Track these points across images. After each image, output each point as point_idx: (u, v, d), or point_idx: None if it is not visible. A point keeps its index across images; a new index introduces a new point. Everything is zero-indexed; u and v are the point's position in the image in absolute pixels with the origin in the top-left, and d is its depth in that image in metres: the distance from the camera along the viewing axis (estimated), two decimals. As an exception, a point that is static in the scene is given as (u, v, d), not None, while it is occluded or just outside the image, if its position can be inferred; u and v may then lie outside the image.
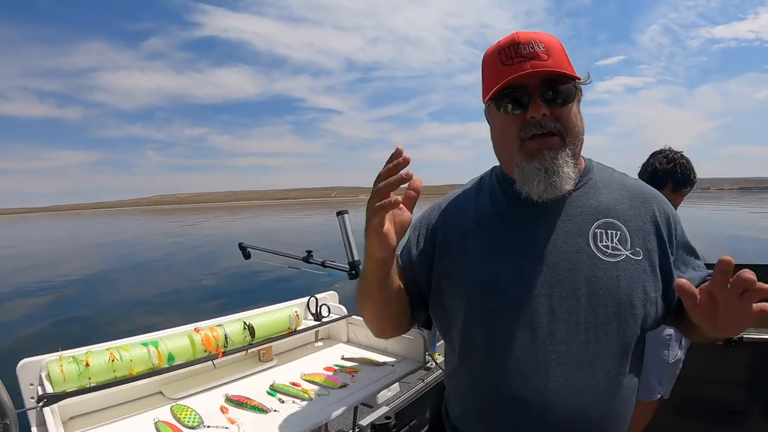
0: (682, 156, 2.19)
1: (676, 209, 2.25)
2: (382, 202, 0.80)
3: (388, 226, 0.85)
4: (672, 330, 2.19)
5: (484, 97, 0.97)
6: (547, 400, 0.87)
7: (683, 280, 0.75)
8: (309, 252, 2.17)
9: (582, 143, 0.96)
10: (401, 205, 0.86)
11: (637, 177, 2.17)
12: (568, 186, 0.92)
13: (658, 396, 2.18)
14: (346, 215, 2.11)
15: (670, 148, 2.24)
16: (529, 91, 0.90)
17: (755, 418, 2.69)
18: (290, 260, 2.22)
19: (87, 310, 11.10)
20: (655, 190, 1.05)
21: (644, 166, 2.24)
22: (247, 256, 2.43)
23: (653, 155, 2.24)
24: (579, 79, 0.93)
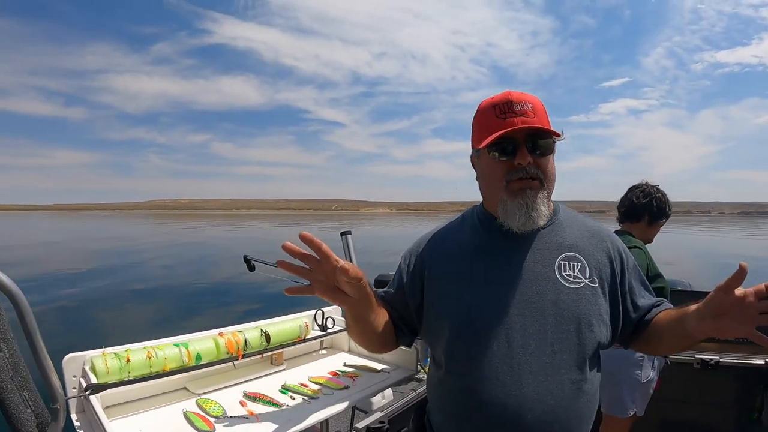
0: (658, 190, 2.40)
1: (652, 240, 2.48)
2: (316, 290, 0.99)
3: (338, 294, 1.02)
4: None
5: (476, 144, 1.13)
6: (522, 403, 1.02)
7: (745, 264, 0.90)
8: None
9: (553, 188, 1.14)
10: (335, 267, 0.96)
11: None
12: (542, 222, 1.10)
13: (632, 413, 2.34)
14: (349, 236, 2.29)
15: (647, 182, 2.45)
16: (517, 143, 1.06)
17: None
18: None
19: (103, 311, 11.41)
20: (610, 230, 1.26)
21: (622, 200, 2.45)
22: (251, 268, 2.58)
23: (631, 189, 2.45)
24: (558, 135, 1.09)
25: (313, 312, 2.02)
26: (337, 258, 0.96)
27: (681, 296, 3.15)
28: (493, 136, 1.06)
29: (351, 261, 2.22)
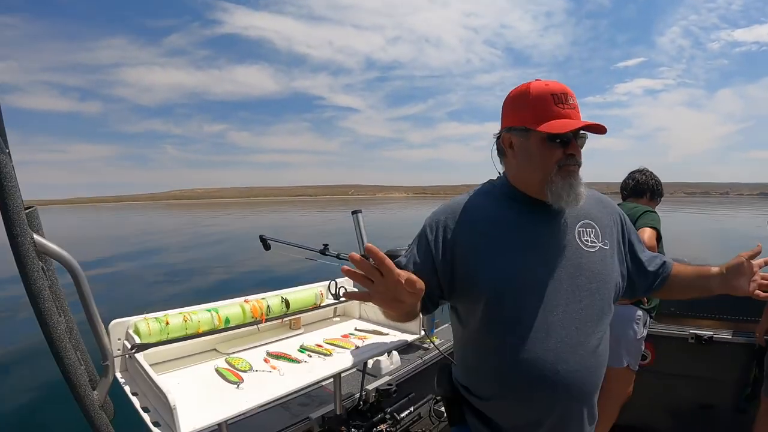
0: (653, 174, 2.84)
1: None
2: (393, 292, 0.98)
3: (395, 303, 1.01)
4: (641, 312, 2.62)
5: (532, 124, 1.17)
6: (558, 356, 1.14)
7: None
8: (325, 245, 2.45)
9: None
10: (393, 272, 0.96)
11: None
12: (582, 200, 1.20)
13: (625, 365, 2.62)
14: (360, 214, 2.45)
15: (645, 168, 2.86)
16: (570, 135, 1.17)
17: (724, 413, 2.92)
18: (307, 252, 2.50)
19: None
20: (610, 198, 1.44)
21: (626, 182, 2.87)
22: (267, 247, 2.63)
23: (633, 173, 2.88)
24: (605, 131, 1.20)
25: (327, 282, 2.21)
26: (399, 272, 0.96)
27: None
28: (570, 127, 1.14)
29: (362, 239, 2.40)
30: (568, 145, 1.18)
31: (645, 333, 2.68)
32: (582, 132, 1.20)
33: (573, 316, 1.17)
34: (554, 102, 1.16)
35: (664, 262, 1.44)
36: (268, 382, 1.49)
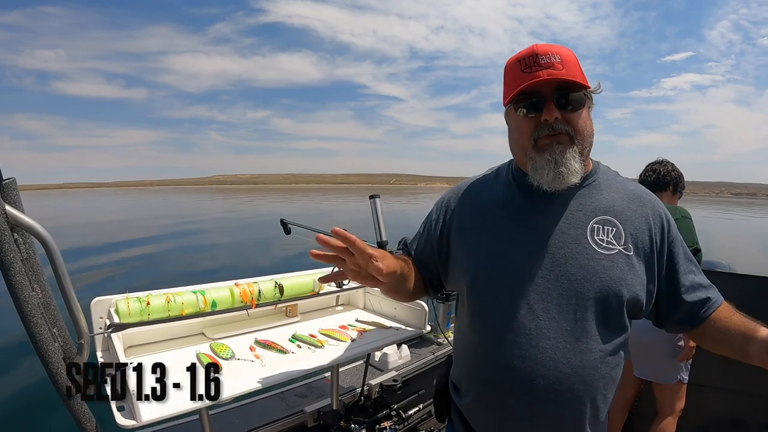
0: (675, 166, 2.58)
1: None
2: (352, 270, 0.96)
3: (369, 279, 0.97)
4: None
5: (504, 101, 1.07)
6: (536, 369, 0.98)
7: None
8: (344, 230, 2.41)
9: (591, 145, 1.06)
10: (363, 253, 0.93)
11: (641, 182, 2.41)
12: (575, 179, 1.01)
13: (677, 379, 2.45)
14: (377, 199, 2.33)
15: (665, 159, 2.60)
16: (544, 97, 0.99)
17: (755, 429, 2.68)
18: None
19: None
20: (653, 195, 1.15)
21: (646, 173, 2.59)
22: (287, 231, 2.69)
23: (653, 164, 2.60)
24: (589, 87, 1.03)
25: (330, 268, 2.07)
26: (372, 253, 0.93)
27: (719, 278, 3.01)
28: (517, 90, 1.00)
29: (378, 223, 2.27)
30: (541, 111, 1.00)
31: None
32: (576, 93, 1.01)
33: (564, 326, 0.99)
34: (521, 68, 1.01)
35: (709, 298, 1.12)
36: (247, 373, 1.36)
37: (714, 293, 1.14)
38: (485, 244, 1.08)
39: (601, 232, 1.03)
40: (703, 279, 1.14)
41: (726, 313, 1.12)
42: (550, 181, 1.01)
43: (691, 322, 1.13)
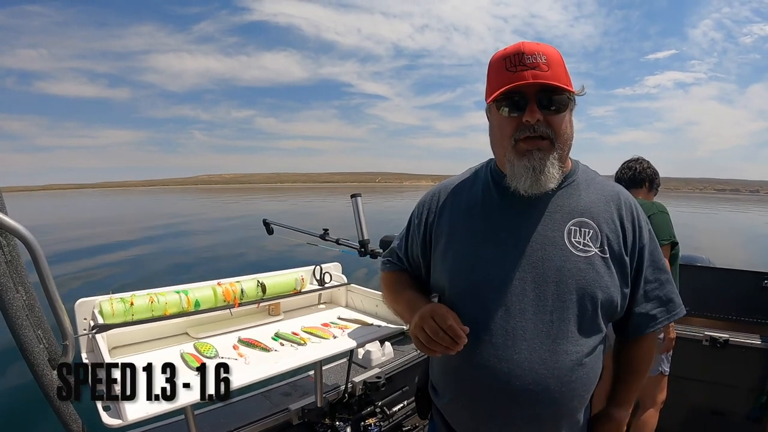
0: (651, 164, 2.64)
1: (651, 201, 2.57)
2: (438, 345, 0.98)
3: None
4: None
5: (486, 98, 1.06)
6: (512, 370, 1.00)
7: None
8: (325, 230, 2.41)
9: (570, 148, 1.07)
10: None
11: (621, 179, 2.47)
12: (552, 185, 1.02)
13: (659, 372, 2.52)
14: (359, 198, 2.36)
15: (640, 156, 2.67)
16: (527, 97, 0.99)
17: (736, 420, 2.77)
18: (308, 237, 2.47)
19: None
20: (630, 196, 1.16)
21: (621, 171, 2.65)
22: (270, 231, 2.66)
23: (628, 162, 2.66)
24: (573, 91, 1.03)
25: (312, 267, 2.10)
26: (451, 322, 0.97)
27: (700, 272, 3.08)
28: (499, 91, 0.99)
29: (360, 222, 2.31)
30: (523, 111, 0.99)
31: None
32: (559, 96, 1.01)
33: (540, 328, 1.01)
34: (506, 67, 0.99)
35: (654, 316, 1.14)
36: (232, 372, 1.38)
37: (662, 313, 1.15)
38: (464, 246, 1.10)
39: (578, 234, 1.04)
40: (665, 291, 1.15)
41: (642, 350, 1.21)
42: (528, 188, 1.02)
43: (625, 335, 1.19)
